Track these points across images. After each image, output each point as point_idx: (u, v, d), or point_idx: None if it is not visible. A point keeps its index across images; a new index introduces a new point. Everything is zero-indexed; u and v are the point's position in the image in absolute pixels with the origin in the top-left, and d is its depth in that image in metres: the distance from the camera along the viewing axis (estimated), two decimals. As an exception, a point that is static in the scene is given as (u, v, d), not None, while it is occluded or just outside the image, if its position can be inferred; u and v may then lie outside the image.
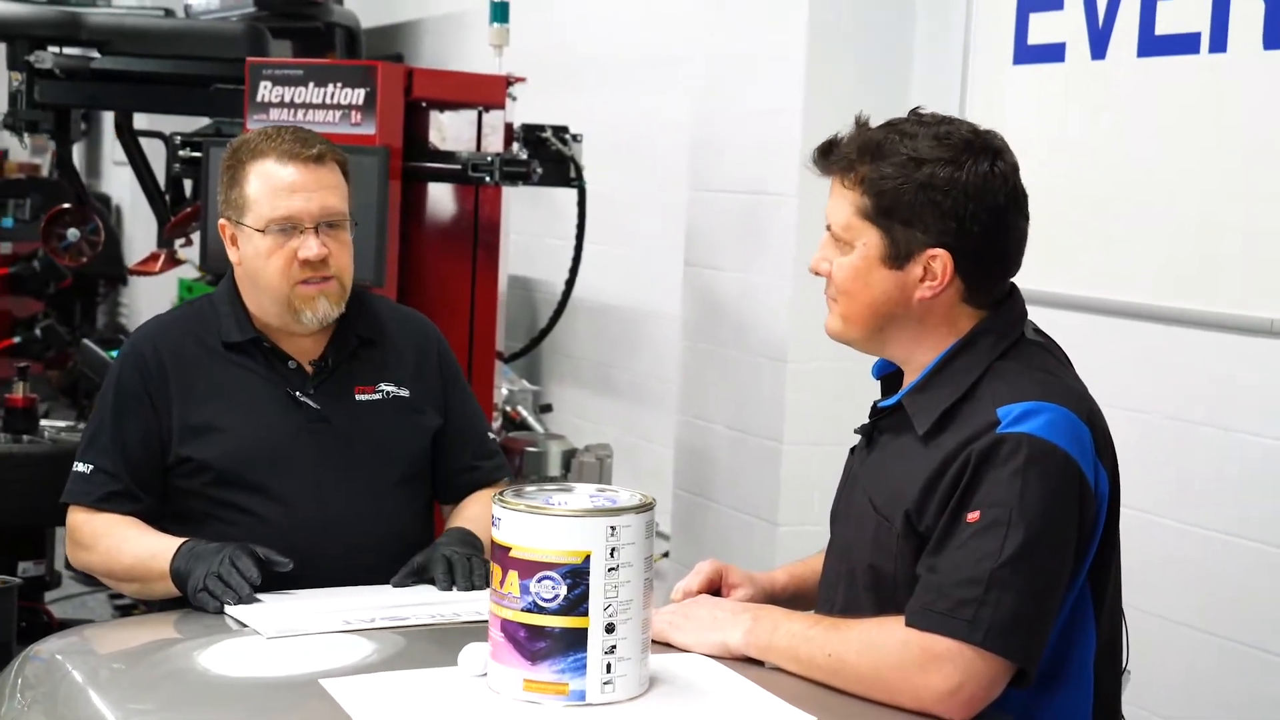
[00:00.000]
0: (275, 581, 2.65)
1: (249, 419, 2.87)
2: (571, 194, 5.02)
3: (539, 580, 2.02)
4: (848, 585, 2.38)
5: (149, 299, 10.17)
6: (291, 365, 2.92)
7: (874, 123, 2.38)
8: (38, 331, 9.59)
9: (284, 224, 2.83)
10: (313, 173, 2.85)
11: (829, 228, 2.38)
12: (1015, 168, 2.34)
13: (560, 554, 2.02)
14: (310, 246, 2.82)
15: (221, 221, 2.94)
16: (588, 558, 2.02)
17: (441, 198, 4.63)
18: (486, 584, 2.53)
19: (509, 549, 2.04)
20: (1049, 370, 2.31)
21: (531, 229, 6.71)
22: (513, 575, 2.04)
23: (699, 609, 2.37)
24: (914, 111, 2.38)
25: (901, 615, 2.17)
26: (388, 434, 2.93)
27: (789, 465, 4.47)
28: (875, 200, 2.30)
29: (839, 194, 2.35)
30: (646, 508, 2.08)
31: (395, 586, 2.72)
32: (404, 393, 2.99)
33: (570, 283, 5.20)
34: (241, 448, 2.84)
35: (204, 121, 5.15)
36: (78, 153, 13.16)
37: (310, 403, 2.90)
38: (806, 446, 4.41)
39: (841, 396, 4.04)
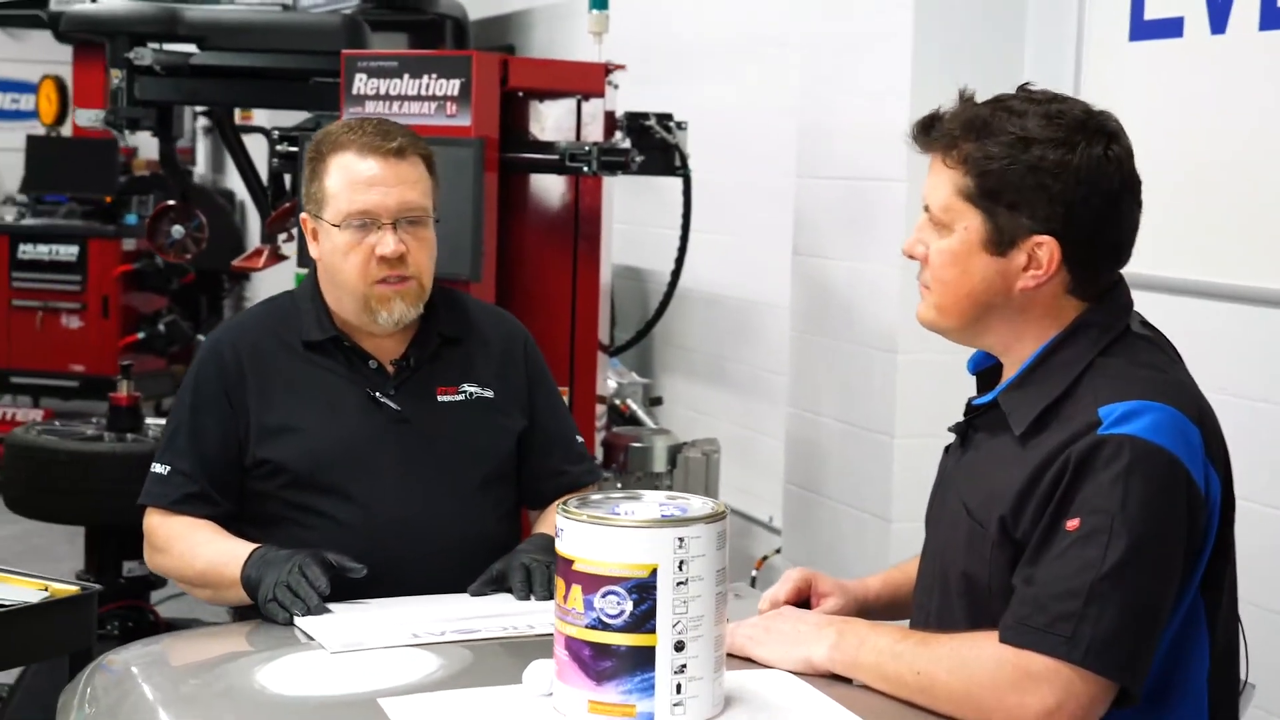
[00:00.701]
0: (350, 589, 2.57)
1: (328, 420, 2.79)
2: (678, 182, 4.91)
3: (603, 595, 1.91)
4: (941, 593, 2.24)
5: (272, 292, 10.24)
6: (372, 365, 2.84)
7: (980, 98, 2.24)
8: (161, 327, 9.69)
9: (361, 219, 2.75)
10: (393, 167, 2.76)
11: (926, 208, 2.24)
12: (1130, 152, 2.18)
13: (625, 567, 1.90)
14: (387, 243, 2.74)
15: (303, 215, 2.87)
16: (654, 571, 1.90)
17: (541, 189, 4.53)
18: None
19: (572, 561, 1.93)
20: (1155, 366, 2.15)
21: (640, 218, 6.61)
22: (576, 589, 1.92)
23: (782, 622, 2.24)
24: (1023, 88, 2.23)
25: (995, 629, 2.03)
26: (470, 436, 2.84)
27: (901, 459, 4.34)
28: (979, 181, 2.16)
29: (939, 172, 2.21)
30: (718, 517, 1.95)
31: (473, 595, 2.63)
32: (488, 393, 2.89)
33: (676, 273, 5.10)
34: (320, 449, 2.76)
35: (305, 116, 5.10)
36: (203, 149, 13.33)
37: (391, 403, 2.82)
38: (918, 440, 4.26)
39: (954, 388, 3.87)
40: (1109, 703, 1.98)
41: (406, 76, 4.23)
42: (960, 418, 2.34)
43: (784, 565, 4.98)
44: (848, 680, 2.13)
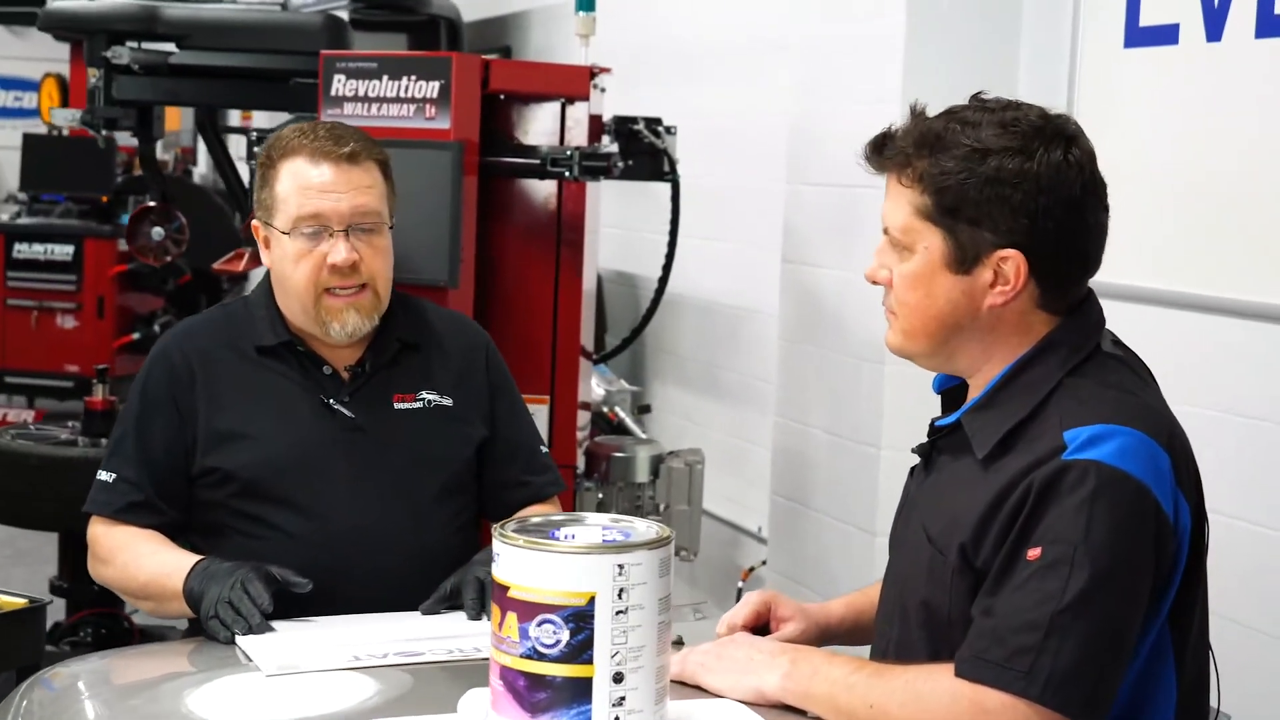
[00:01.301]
0: (300, 603, 2.48)
1: (279, 427, 2.70)
2: (669, 187, 4.83)
3: (539, 624, 1.82)
4: (901, 621, 2.15)
5: (268, 294, 10.16)
6: (327, 371, 2.76)
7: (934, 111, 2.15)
8: (157, 327, 9.61)
9: (312, 225, 2.66)
10: (345, 172, 2.68)
11: (886, 230, 2.15)
12: (1092, 155, 2.09)
13: (561, 595, 1.82)
14: (339, 251, 2.66)
15: (254, 223, 2.79)
16: (592, 600, 1.81)
17: (524, 194, 4.45)
18: None
19: (507, 588, 1.84)
20: (1125, 388, 2.06)
21: (632, 223, 6.54)
22: (511, 617, 1.84)
23: (735, 649, 2.15)
24: (975, 97, 2.14)
25: (953, 662, 1.94)
26: (427, 444, 2.74)
27: (887, 472, 4.26)
28: (936, 198, 2.07)
29: (896, 193, 2.12)
30: (660, 543, 1.87)
31: (424, 614, 2.54)
32: (446, 401, 2.81)
33: (663, 280, 5.02)
34: (270, 457, 2.68)
35: (285, 117, 5.03)
36: (204, 148, 13.26)
37: (345, 410, 2.73)
38: (905, 453, 4.13)
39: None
40: (1070, 742, 1.90)
41: (386, 78, 4.15)
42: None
43: (770, 577, 4.90)
44: (801, 712, 2.04)
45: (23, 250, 10.02)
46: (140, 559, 2.65)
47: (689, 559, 4.86)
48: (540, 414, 4.41)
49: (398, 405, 2.77)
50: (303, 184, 2.67)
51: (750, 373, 5.68)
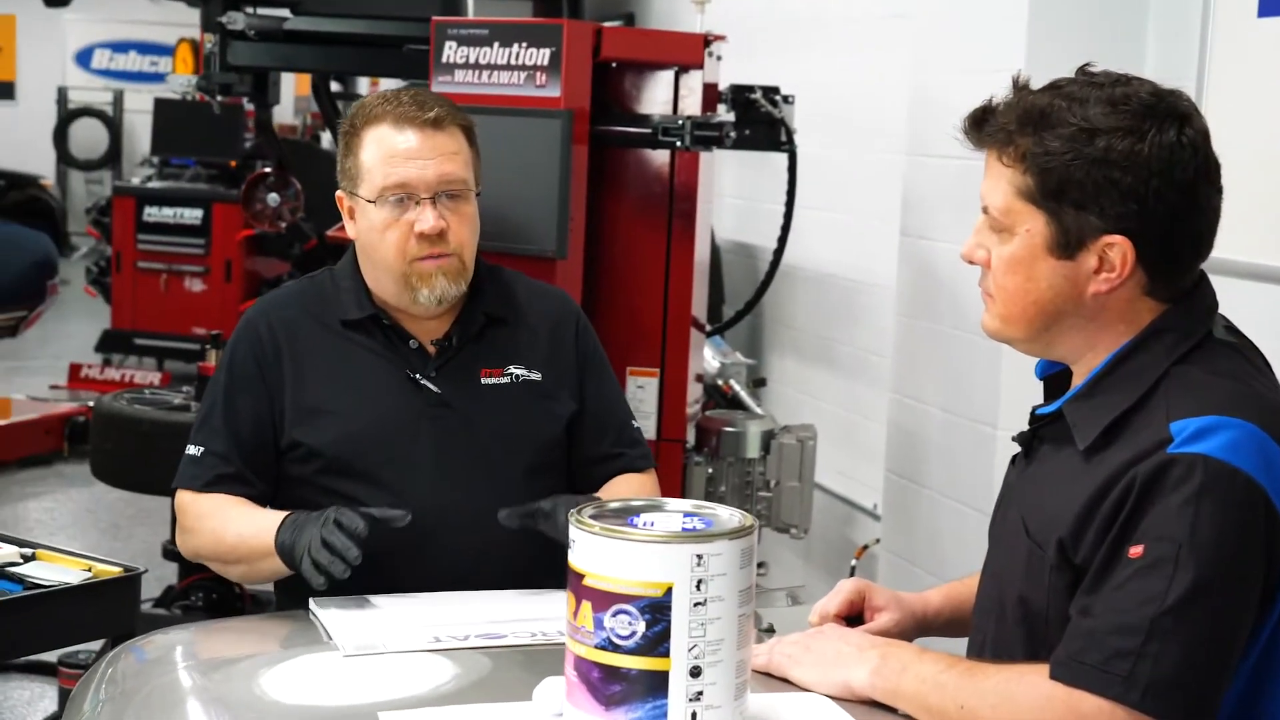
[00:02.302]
0: (387, 581, 2.45)
1: (364, 403, 2.66)
2: (785, 158, 4.75)
3: (614, 614, 1.76)
4: (998, 618, 2.07)
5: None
6: (413, 345, 2.71)
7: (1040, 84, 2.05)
8: (282, 292, 9.69)
9: (398, 194, 2.62)
10: (430, 138, 2.63)
11: (985, 209, 2.06)
12: (1205, 134, 1.98)
13: (637, 585, 1.75)
14: (426, 219, 2.61)
15: (338, 193, 2.74)
16: (669, 590, 1.75)
17: (636, 164, 4.38)
18: None
19: (583, 576, 1.78)
20: (1237, 377, 1.95)
21: (751, 193, 6.46)
22: (586, 606, 1.78)
23: (824, 641, 2.08)
24: (1083, 69, 2.03)
25: (1048, 663, 1.86)
26: (514, 421, 2.69)
27: (1004, 452, 4.10)
28: (1040, 179, 1.97)
29: (996, 171, 2.03)
30: (742, 533, 1.79)
31: (504, 521, 2.53)
32: (535, 376, 2.76)
33: (779, 251, 4.94)
34: (354, 433, 2.64)
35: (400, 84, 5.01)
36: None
37: (431, 386, 2.68)
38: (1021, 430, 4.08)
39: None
40: (1168, 749, 1.81)
41: (497, 45, 4.11)
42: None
43: (884, 556, 4.82)
44: (889, 708, 1.97)
45: (153, 214, 10.17)
46: (228, 522, 2.62)
47: (799, 536, 4.78)
48: (650, 387, 4.36)
49: (485, 380, 2.72)
50: (388, 151, 2.63)
51: (866, 347, 5.59)
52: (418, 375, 2.69)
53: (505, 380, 2.73)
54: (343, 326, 2.71)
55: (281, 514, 2.55)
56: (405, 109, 2.64)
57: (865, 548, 5.24)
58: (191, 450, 2.70)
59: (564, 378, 2.79)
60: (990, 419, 4.19)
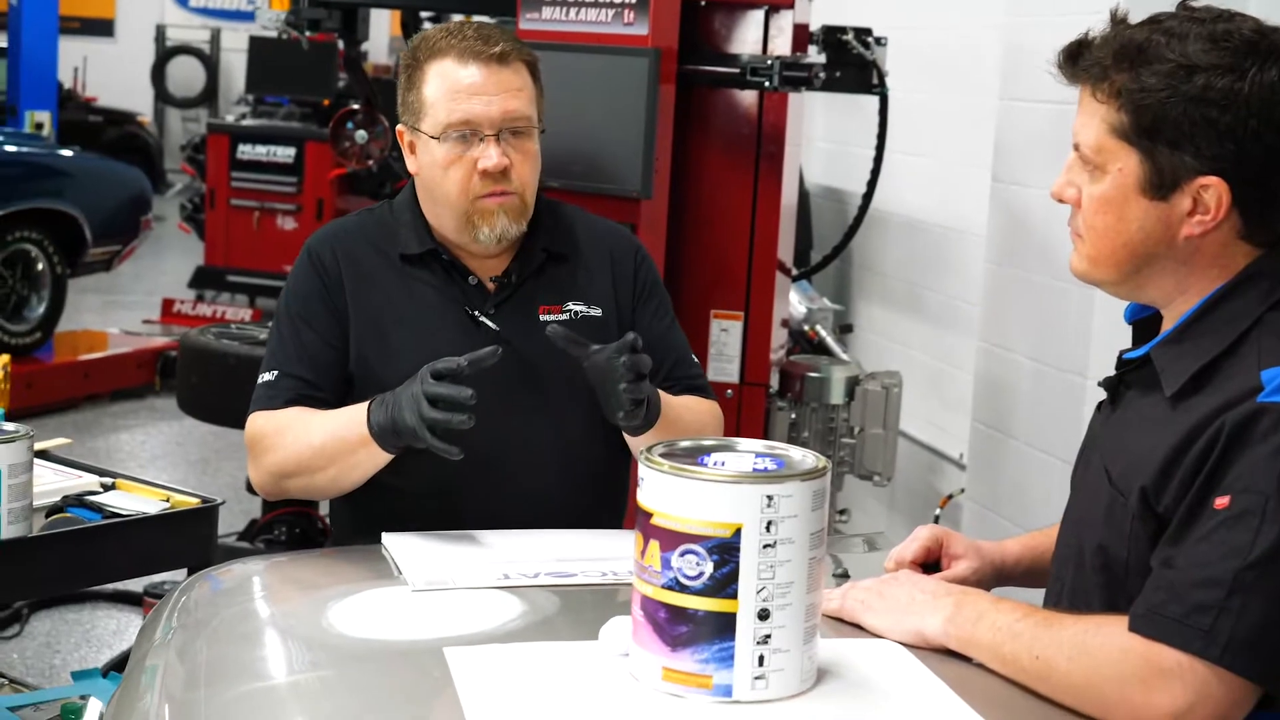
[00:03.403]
0: (447, 520, 2.44)
1: (422, 339, 2.62)
2: (876, 101, 4.68)
3: (682, 554, 1.73)
4: (1077, 567, 2.02)
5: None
6: (472, 281, 2.68)
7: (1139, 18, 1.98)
8: (372, 231, 9.73)
9: (462, 130, 2.57)
10: (495, 73, 2.59)
11: (1076, 147, 2.00)
12: None
13: (706, 525, 1.72)
14: (490, 156, 2.57)
15: (399, 127, 2.70)
16: (738, 531, 1.72)
17: (724, 104, 4.33)
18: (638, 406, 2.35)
19: (650, 515, 1.75)
20: (1334, 325, 1.88)
21: (842, 137, 6.39)
22: (654, 546, 1.75)
23: (898, 588, 2.03)
24: (1184, 5, 1.96)
25: (1127, 614, 1.81)
26: (574, 358, 2.61)
27: (1094, 403, 4.04)
28: (1135, 117, 1.90)
29: (1090, 108, 1.96)
30: (815, 475, 1.75)
31: (549, 334, 2.48)
32: (595, 312, 2.71)
33: (868, 196, 4.88)
34: (412, 371, 2.56)
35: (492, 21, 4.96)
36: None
37: (490, 323, 2.65)
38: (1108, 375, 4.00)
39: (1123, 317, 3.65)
40: (1250, 706, 1.75)
41: (586, -19, 4.06)
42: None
43: (969, 507, 4.76)
44: (962, 657, 1.93)
45: (246, 151, 10.24)
46: (310, 426, 2.55)
47: (882, 484, 4.74)
48: (734, 330, 4.32)
49: (544, 317, 2.67)
50: (452, 86, 2.58)
51: (955, 294, 5.52)
52: (476, 312, 2.65)
53: (564, 316, 2.69)
54: (402, 261, 2.68)
55: (364, 404, 2.50)
56: (470, 43, 2.59)
57: (950, 497, 5.18)
58: (266, 377, 2.65)
59: (625, 312, 2.75)
60: (1080, 368, 4.12)
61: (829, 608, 2.02)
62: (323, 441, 2.53)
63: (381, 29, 14.84)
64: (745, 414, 4.34)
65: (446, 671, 1.80)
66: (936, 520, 5.22)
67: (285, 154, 10.18)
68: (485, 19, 5.03)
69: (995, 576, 2.25)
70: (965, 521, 4.77)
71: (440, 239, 2.68)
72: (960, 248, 5.44)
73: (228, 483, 6.43)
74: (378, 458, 2.48)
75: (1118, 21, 1.97)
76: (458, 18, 7.48)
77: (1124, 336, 3.39)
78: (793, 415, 4.54)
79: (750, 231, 4.34)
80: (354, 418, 2.49)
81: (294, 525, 4.85)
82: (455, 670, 1.81)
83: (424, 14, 5.34)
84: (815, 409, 4.55)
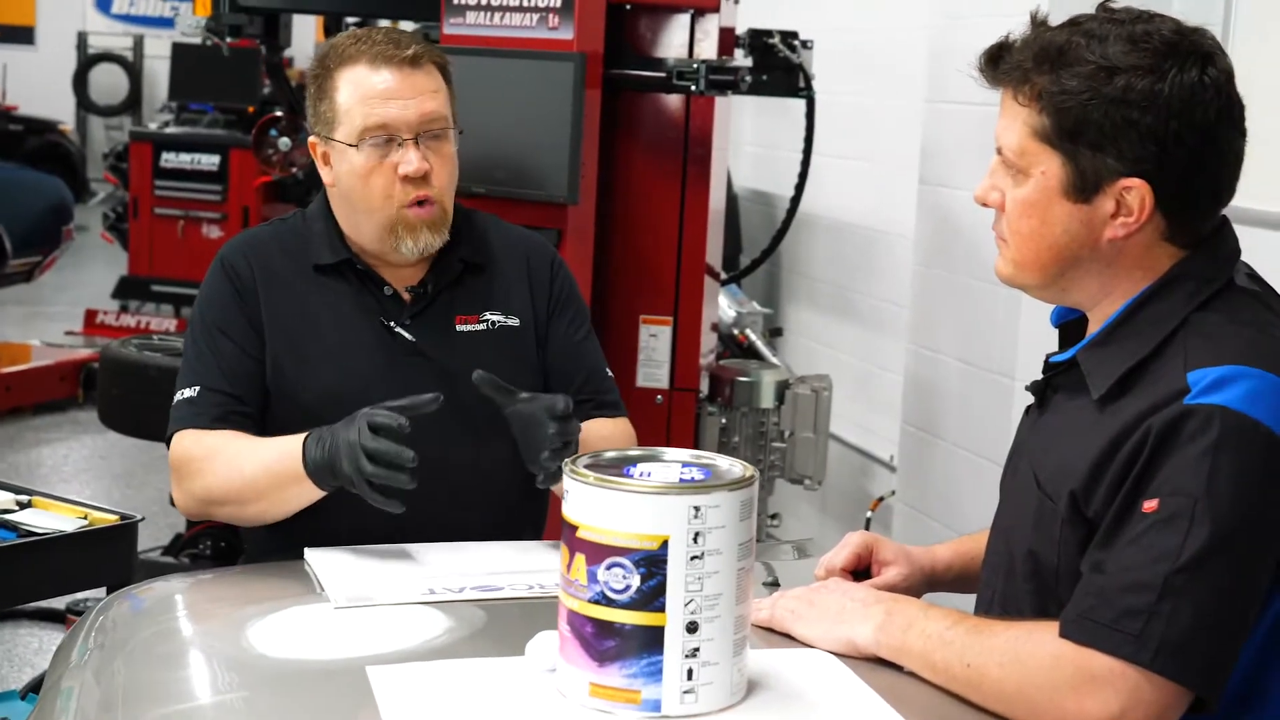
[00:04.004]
0: (362, 536, 2.39)
1: (337, 350, 2.58)
2: (803, 104, 4.67)
3: (608, 567, 1.70)
4: (1007, 573, 2.01)
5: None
6: (387, 291, 2.62)
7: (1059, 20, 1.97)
8: (299, 239, 9.64)
9: (380, 135, 2.52)
10: (409, 77, 2.54)
11: (999, 150, 1.98)
12: (1229, 74, 1.90)
13: (632, 537, 1.69)
14: (410, 160, 2.52)
15: (311, 139, 2.64)
16: (665, 543, 1.69)
17: (650, 108, 4.30)
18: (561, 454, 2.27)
19: (576, 528, 1.73)
20: (1259, 325, 1.87)
21: (769, 140, 6.38)
22: (580, 559, 1.72)
23: (828, 596, 2.01)
24: (1103, 6, 1.95)
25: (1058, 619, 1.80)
26: (491, 368, 2.52)
27: (1022, 404, 4.04)
28: (1056, 119, 1.89)
29: (1011, 111, 1.95)
30: (741, 484, 1.73)
31: (476, 380, 2.41)
32: (512, 322, 2.67)
33: (796, 199, 4.87)
34: (328, 384, 2.55)
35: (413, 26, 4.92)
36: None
37: (406, 334, 2.60)
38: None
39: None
40: (1182, 711, 1.74)
41: (509, -14, 4.03)
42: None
43: (900, 509, 4.76)
44: (895, 665, 1.91)
45: (170, 159, 10.10)
46: (243, 454, 2.48)
47: (813, 488, 4.73)
48: (663, 336, 4.30)
49: (460, 328, 2.63)
50: (366, 92, 2.53)
51: (884, 297, 5.52)
52: (392, 323, 2.61)
53: (481, 327, 2.65)
54: (315, 271, 2.62)
55: (299, 436, 2.43)
56: (381, 47, 2.54)
57: (880, 500, 5.18)
58: (186, 393, 2.57)
59: (541, 322, 2.71)
60: (1008, 370, 4.13)
61: (758, 617, 2.00)
62: (255, 474, 2.47)
63: (307, 34, 14.74)
64: (675, 419, 4.32)
65: (369, 691, 1.77)
66: (868, 523, 5.22)
67: (210, 162, 10.06)
68: (410, 24, 4.99)
69: (926, 583, 2.23)
70: (896, 524, 4.77)
71: (355, 248, 2.63)
72: (889, 250, 5.44)
73: (153, 496, 6.35)
74: (312, 494, 2.42)
75: (1038, 24, 1.96)
76: (384, 23, 7.44)
77: (1051, 338, 3.39)
78: (723, 420, 4.52)
79: (678, 236, 4.32)
80: (289, 451, 2.42)
81: (219, 539, 4.78)
82: (378, 690, 1.77)
83: (348, 19, 5.27)
84: (745, 414, 4.53)
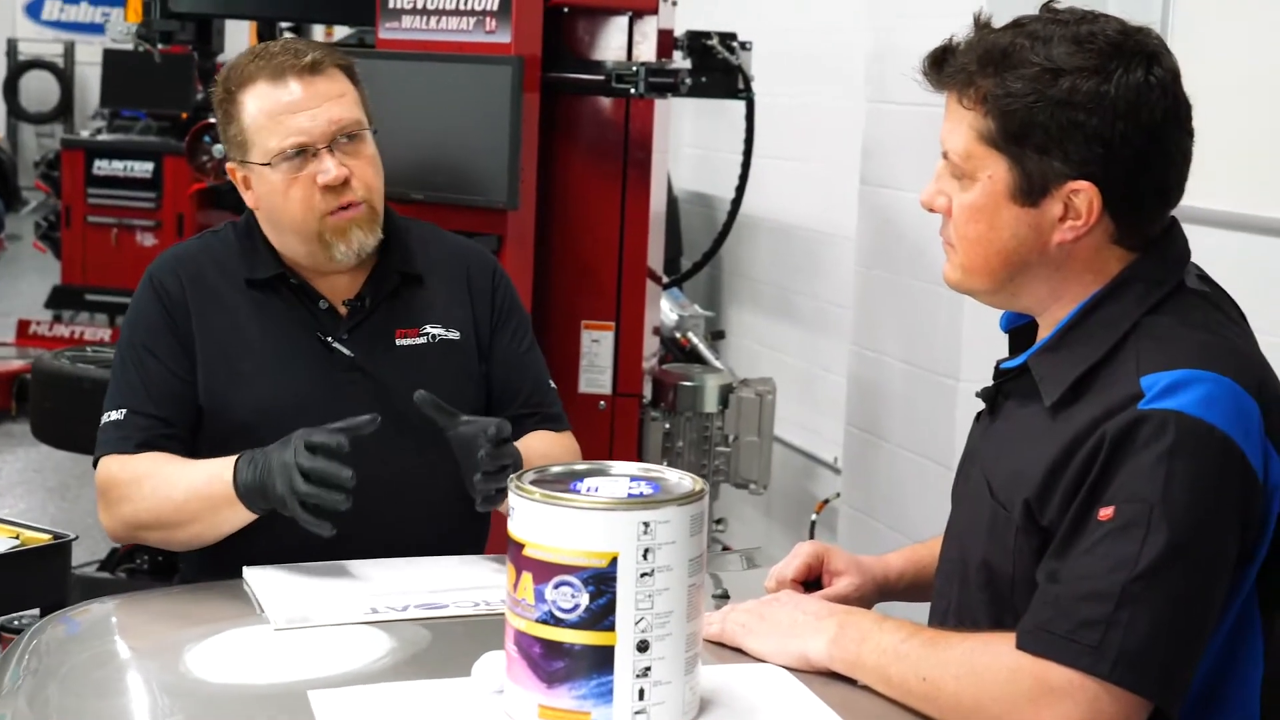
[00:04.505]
0: (305, 554, 2.33)
1: (273, 367, 2.52)
2: (743, 106, 4.64)
3: (556, 586, 1.66)
4: (961, 583, 1.98)
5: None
6: (323, 306, 2.57)
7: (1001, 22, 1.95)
8: (235, 245, 9.53)
9: (293, 150, 2.46)
10: (312, 85, 2.48)
11: (945, 155, 1.95)
12: (1176, 74, 1.88)
13: (580, 555, 1.65)
14: (328, 169, 2.46)
15: (229, 165, 2.58)
16: (614, 560, 1.65)
17: (589, 112, 4.26)
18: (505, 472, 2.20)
19: (522, 546, 1.68)
20: (1211, 328, 1.85)
21: (711, 142, 6.35)
22: (527, 578, 1.68)
23: (780, 609, 1.98)
24: (1047, 7, 1.93)
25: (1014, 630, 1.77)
26: (432, 383, 2.49)
27: (966, 406, 4.06)
28: (1002, 122, 1.86)
29: (956, 114, 1.92)
30: (691, 498, 1.69)
31: (417, 399, 2.36)
32: (453, 335, 2.62)
33: (736, 202, 4.85)
34: (264, 401, 2.49)
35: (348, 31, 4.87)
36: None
37: (343, 349, 2.54)
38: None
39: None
40: (1142, 721, 1.72)
41: (445, -11, 3.97)
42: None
43: (845, 512, 4.74)
44: (851, 680, 1.87)
45: (103, 167, 9.99)
46: (171, 478, 2.43)
47: (759, 492, 4.70)
48: (605, 341, 4.26)
49: (400, 342, 2.58)
50: (272, 109, 2.47)
51: (827, 298, 5.51)
52: (329, 338, 2.55)
53: (421, 341, 2.59)
54: (249, 286, 2.55)
55: (230, 458, 2.37)
56: (279, 60, 2.48)
57: (825, 502, 5.16)
58: (113, 415, 2.52)
59: (483, 334, 2.66)
60: (952, 371, 4.12)
61: (709, 632, 1.96)
62: (185, 498, 2.41)
63: (240, 39, 14.60)
64: (619, 425, 4.28)
65: (311, 715, 1.72)
66: (813, 526, 5.20)
67: (143, 169, 9.95)
68: (344, 29, 4.94)
69: (878, 592, 2.20)
70: (841, 526, 4.75)
71: (289, 262, 2.57)
72: (831, 251, 5.42)
73: (88, 509, 6.24)
74: (244, 516, 2.37)
75: (981, 26, 1.94)
76: (318, 28, 7.38)
77: (996, 339, 3.36)
78: (667, 425, 4.49)
79: (619, 240, 4.27)
80: (219, 474, 2.37)
81: (156, 554, 4.69)
82: (320, 714, 1.72)
83: (282, 24, 5.21)
84: (689, 418, 4.50)
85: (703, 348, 5.33)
